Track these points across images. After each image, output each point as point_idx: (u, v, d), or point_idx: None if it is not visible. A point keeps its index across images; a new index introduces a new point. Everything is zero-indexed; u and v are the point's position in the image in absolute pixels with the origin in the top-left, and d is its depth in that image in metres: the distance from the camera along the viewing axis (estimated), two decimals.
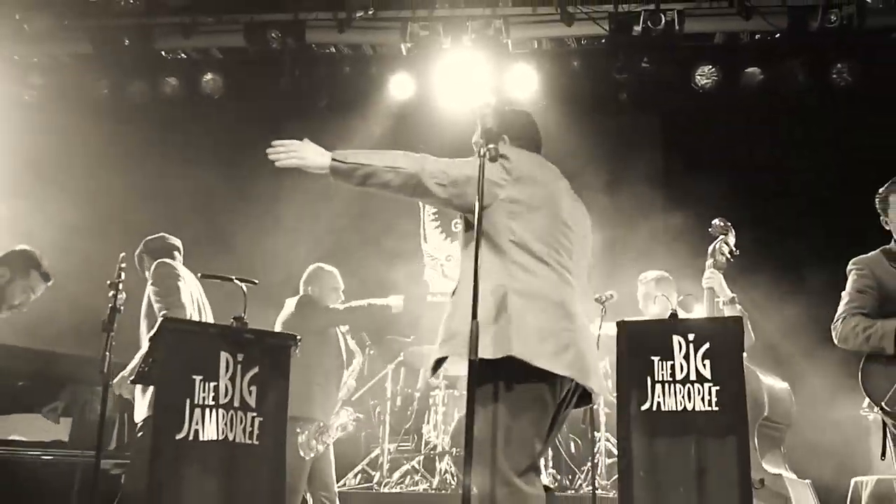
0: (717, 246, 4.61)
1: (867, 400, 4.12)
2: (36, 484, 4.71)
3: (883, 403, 3.61)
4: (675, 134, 7.55)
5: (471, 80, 7.02)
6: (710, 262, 4.61)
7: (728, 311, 4.61)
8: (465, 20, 6.95)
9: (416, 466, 5.83)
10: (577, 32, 7.06)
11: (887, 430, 3.76)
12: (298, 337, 3.89)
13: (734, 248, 4.64)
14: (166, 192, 7.26)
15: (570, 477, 5.74)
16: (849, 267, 4.12)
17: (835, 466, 5.35)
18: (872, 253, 4.12)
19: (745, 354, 4.86)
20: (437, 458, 5.78)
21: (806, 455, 5.24)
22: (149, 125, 7.45)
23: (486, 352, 2.71)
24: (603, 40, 7.07)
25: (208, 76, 7.37)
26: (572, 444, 5.83)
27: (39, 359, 4.99)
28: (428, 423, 6.07)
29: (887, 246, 4.00)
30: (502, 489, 2.70)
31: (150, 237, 4.64)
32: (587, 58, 7.38)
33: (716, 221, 4.67)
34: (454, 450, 5.66)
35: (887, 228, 4.02)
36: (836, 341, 3.97)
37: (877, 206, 4.11)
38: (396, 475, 5.84)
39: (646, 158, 7.51)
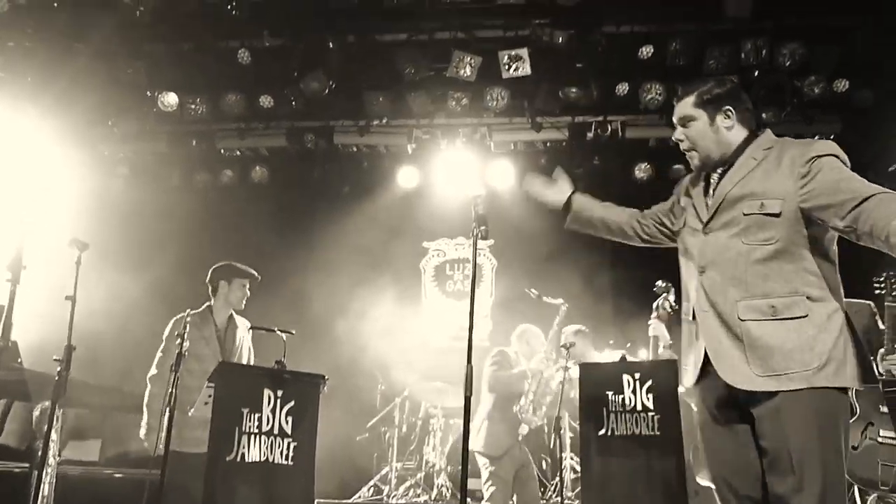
0: (661, 302, 4.52)
1: None
2: (111, 497, 4.59)
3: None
4: None
5: (462, 173, 7.11)
6: (654, 314, 4.51)
7: (668, 354, 4.49)
8: (458, 127, 7.05)
9: (418, 481, 5.69)
10: (543, 137, 7.14)
11: None
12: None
13: (674, 304, 4.57)
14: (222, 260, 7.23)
15: (542, 489, 5.59)
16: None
17: None
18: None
19: (682, 389, 4.81)
20: (434, 474, 5.65)
21: None
22: (210, 208, 7.46)
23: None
24: (564, 143, 7.15)
25: (257, 169, 7.42)
26: (543, 462, 5.70)
27: (113, 393, 4.90)
28: (428, 445, 5.94)
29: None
30: None
31: None
32: (552, 156, 7.44)
33: (659, 283, 4.57)
34: (449, 467, 5.54)
35: None
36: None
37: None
38: (402, 489, 5.69)
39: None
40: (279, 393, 3.67)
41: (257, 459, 3.53)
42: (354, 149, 7.42)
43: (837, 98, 6.36)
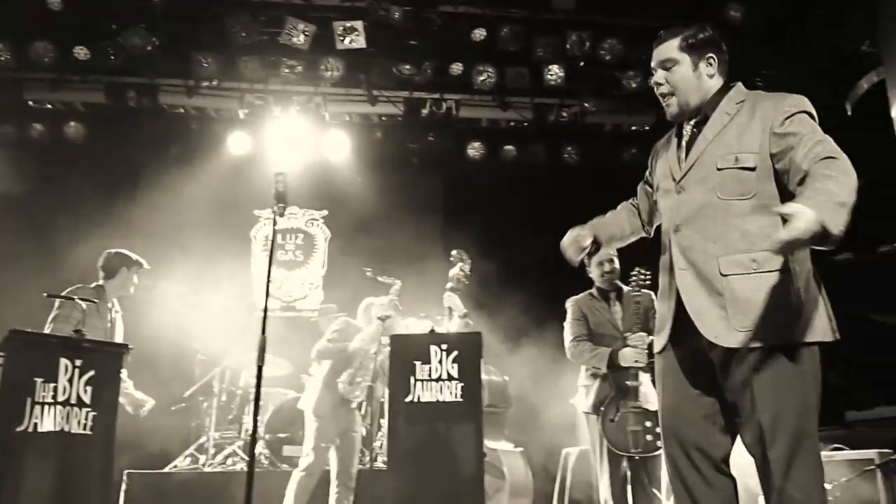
0: (455, 272, 4.60)
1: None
2: None
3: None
4: (454, 191, 7.94)
5: (296, 142, 7.18)
6: (449, 285, 4.59)
7: (462, 324, 4.69)
8: (292, 95, 7.08)
9: (237, 450, 5.80)
10: (379, 111, 7.34)
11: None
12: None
13: (469, 273, 4.64)
14: (29, 222, 6.84)
15: (362, 454, 5.88)
16: (567, 303, 4.63)
17: (551, 439, 5.80)
18: (582, 294, 4.64)
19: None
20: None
21: (527, 430, 5.67)
22: (16, 165, 6.96)
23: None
24: (399, 118, 7.39)
25: (72, 125, 7.04)
26: (363, 429, 5.98)
27: None
28: (247, 414, 6.06)
29: (591, 290, 4.54)
30: None
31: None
32: (388, 130, 7.67)
33: (454, 252, 4.67)
34: (267, 435, 5.70)
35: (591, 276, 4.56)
36: (568, 356, 4.45)
37: (584, 260, 4.58)
38: (219, 457, 5.77)
39: (431, 208, 7.94)
40: (77, 362, 3.66)
41: (52, 429, 3.53)
42: (182, 110, 7.23)
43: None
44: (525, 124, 7.50)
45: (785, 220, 1.90)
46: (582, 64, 7.03)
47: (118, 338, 4.40)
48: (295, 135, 7.13)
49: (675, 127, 2.44)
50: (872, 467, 4.58)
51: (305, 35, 6.22)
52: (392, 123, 7.56)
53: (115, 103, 6.83)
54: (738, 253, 2.12)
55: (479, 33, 6.57)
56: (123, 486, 4.99)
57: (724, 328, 2.11)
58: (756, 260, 2.10)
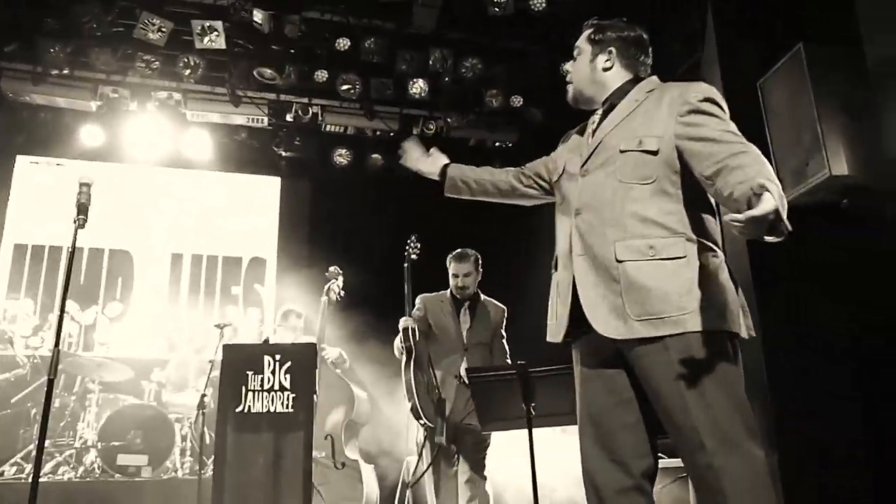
0: (329, 286, 5.00)
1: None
2: None
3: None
4: (322, 195, 7.93)
5: (153, 139, 6.97)
6: (323, 298, 5.00)
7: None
8: (151, 90, 6.86)
9: (67, 459, 5.58)
10: (244, 112, 7.21)
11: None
12: None
13: (342, 290, 5.07)
14: None
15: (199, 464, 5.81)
16: (417, 298, 4.72)
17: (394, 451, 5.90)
18: (436, 293, 4.72)
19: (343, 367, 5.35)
20: (84, 451, 5.57)
21: (374, 445, 5.76)
22: None
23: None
24: (262, 119, 7.29)
25: None
26: (208, 438, 5.91)
27: None
28: (83, 421, 5.85)
29: (446, 292, 4.68)
30: None
31: None
32: (253, 132, 7.57)
33: (331, 268, 5.07)
34: (100, 444, 5.53)
35: None
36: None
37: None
38: (48, 466, 5.55)
39: (300, 212, 7.93)
40: None
41: None
42: (28, 98, 6.85)
43: (515, 112, 7.32)
44: (391, 134, 7.59)
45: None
46: (447, 80, 7.20)
47: None
48: (152, 131, 6.91)
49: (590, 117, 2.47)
50: (685, 475, 5.02)
51: (162, 32, 6.06)
52: (258, 126, 7.45)
53: None
54: (636, 238, 2.05)
55: (344, 42, 6.61)
56: None
57: (618, 318, 2.03)
58: (653, 246, 2.04)
